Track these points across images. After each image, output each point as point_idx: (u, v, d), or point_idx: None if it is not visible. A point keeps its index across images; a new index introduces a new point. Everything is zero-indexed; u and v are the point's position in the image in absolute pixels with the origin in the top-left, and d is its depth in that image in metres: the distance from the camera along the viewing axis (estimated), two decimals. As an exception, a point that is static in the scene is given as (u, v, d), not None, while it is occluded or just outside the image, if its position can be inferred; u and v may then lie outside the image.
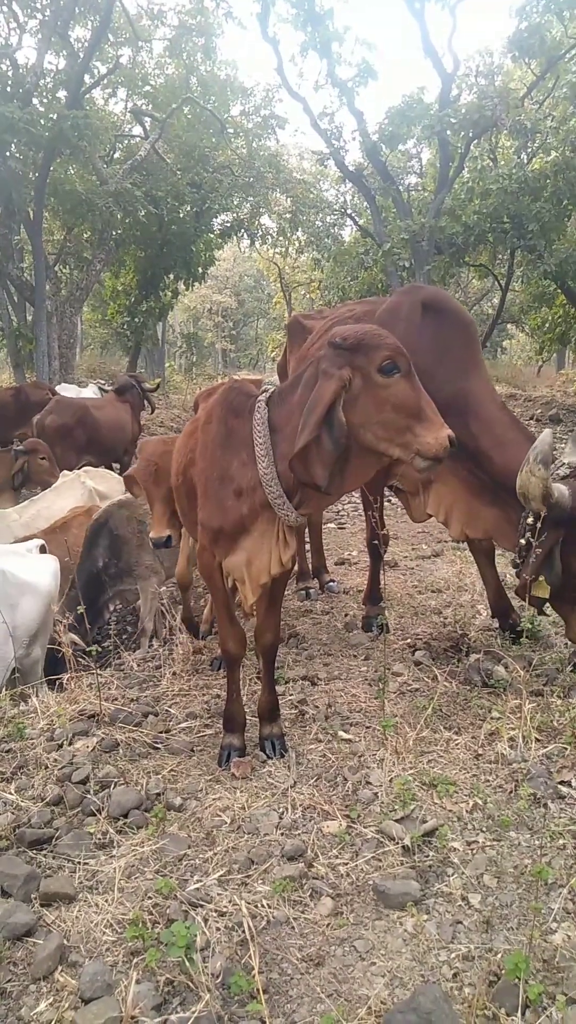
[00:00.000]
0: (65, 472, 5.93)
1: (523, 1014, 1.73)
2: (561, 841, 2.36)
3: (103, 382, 11.57)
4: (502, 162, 17.18)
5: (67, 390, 10.65)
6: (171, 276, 19.09)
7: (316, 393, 2.33)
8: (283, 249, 22.72)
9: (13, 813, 2.57)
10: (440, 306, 3.77)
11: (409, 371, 2.36)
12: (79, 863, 2.34)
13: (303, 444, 2.31)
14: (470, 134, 14.66)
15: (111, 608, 4.82)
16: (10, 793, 2.69)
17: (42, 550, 4.22)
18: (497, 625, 4.19)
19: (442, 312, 3.75)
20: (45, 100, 15.21)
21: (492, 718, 3.15)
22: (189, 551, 4.07)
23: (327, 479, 2.34)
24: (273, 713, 3.06)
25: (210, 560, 2.83)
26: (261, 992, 1.81)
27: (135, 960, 1.95)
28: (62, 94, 15.15)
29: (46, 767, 2.86)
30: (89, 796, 2.64)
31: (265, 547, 2.66)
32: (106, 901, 2.17)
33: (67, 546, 4.35)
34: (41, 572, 3.90)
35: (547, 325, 19.30)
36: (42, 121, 12.87)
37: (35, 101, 14.31)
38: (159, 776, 2.82)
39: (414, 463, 2.37)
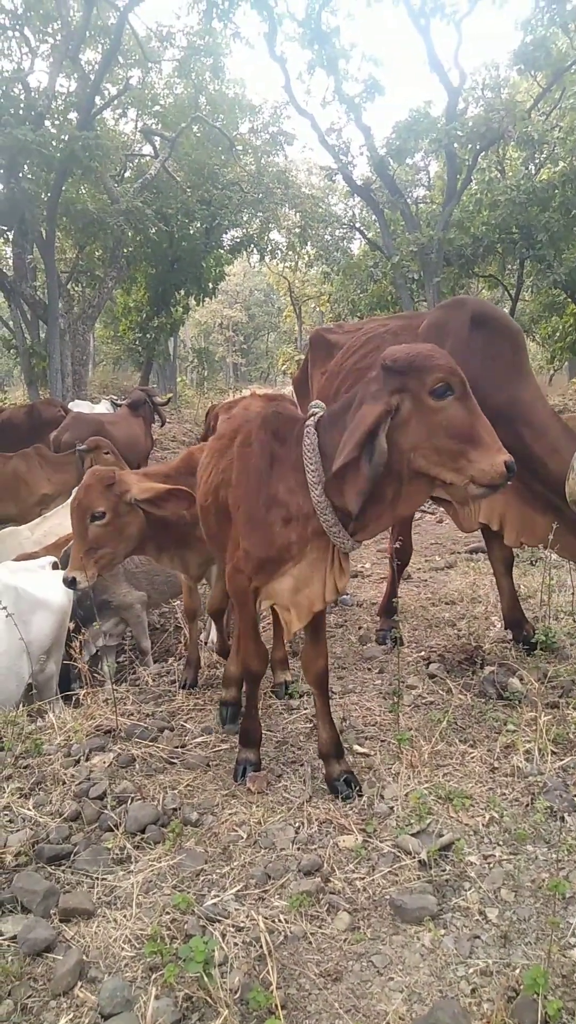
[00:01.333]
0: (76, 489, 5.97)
1: (542, 1030, 1.72)
2: (579, 855, 2.35)
3: (115, 398, 11.68)
4: (510, 173, 17.27)
5: (80, 406, 10.76)
6: (182, 292, 19.30)
7: (359, 416, 2.25)
8: (292, 263, 22.94)
9: (32, 829, 2.59)
10: (487, 318, 3.75)
11: (464, 393, 2.24)
12: (97, 879, 2.36)
13: (338, 467, 2.25)
14: (477, 146, 14.76)
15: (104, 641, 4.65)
16: (28, 809, 2.71)
17: (54, 567, 4.25)
18: (511, 637, 4.18)
19: (489, 323, 3.72)
20: (57, 122, 15.47)
21: (507, 731, 3.14)
22: (191, 583, 3.94)
23: (359, 505, 2.26)
24: (338, 749, 2.85)
25: (245, 584, 2.70)
26: (279, 1008, 1.81)
27: (154, 976, 1.96)
28: (73, 116, 15.41)
29: (64, 783, 2.88)
30: (106, 811, 2.66)
31: (318, 575, 2.59)
32: (124, 916, 2.19)
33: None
34: (53, 588, 3.93)
35: (558, 334, 19.28)
36: (54, 143, 13.10)
37: (47, 123, 14.56)
38: (175, 791, 2.83)
39: (468, 490, 2.26)
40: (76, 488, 3.41)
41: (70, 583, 3.25)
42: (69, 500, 5.68)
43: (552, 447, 3.53)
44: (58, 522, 5.11)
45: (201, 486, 3.13)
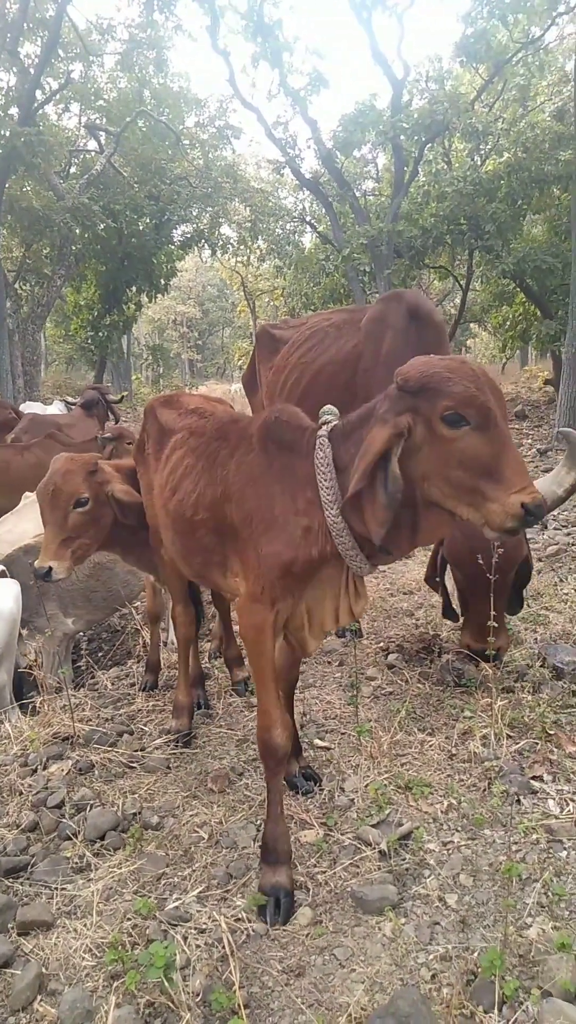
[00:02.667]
0: (28, 493, 5.84)
1: (500, 1010, 1.76)
2: (534, 836, 2.40)
3: (68, 398, 11.49)
4: (456, 165, 17.43)
5: (32, 408, 10.55)
6: (133, 289, 19.10)
7: (368, 439, 2.01)
8: (244, 258, 22.86)
9: (-12, 842, 2.54)
10: (420, 311, 3.83)
11: (485, 423, 1.89)
12: (56, 889, 2.32)
13: (352, 494, 2.01)
14: (423, 138, 14.86)
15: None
16: (-16, 822, 2.66)
17: (2, 575, 4.16)
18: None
19: (422, 317, 3.81)
20: (-3, 117, 15.12)
21: (465, 717, 3.18)
22: (154, 582, 3.87)
23: (382, 535, 1.99)
24: (296, 746, 2.85)
25: (267, 615, 2.28)
26: (242, 1007, 1.81)
27: (115, 984, 1.94)
28: (14, 111, 15.07)
29: (20, 793, 2.83)
30: (65, 820, 2.62)
31: (331, 596, 2.33)
32: (84, 926, 2.16)
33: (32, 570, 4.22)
34: (2, 596, 3.84)
35: (508, 323, 19.56)
36: (-5, 139, 12.80)
37: (-13, 119, 14.23)
38: (135, 795, 2.81)
39: (483, 531, 1.98)
40: (49, 474, 3.24)
41: (45, 574, 3.08)
42: (19, 506, 5.56)
43: None
44: (7, 528, 4.98)
45: (172, 497, 2.71)
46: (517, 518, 1.87)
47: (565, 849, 2.33)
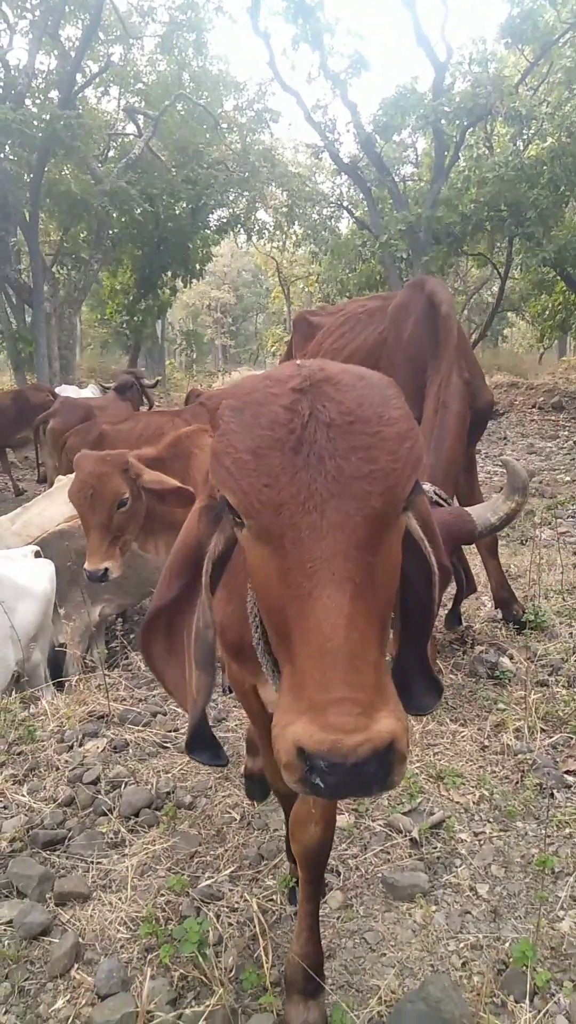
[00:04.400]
0: (60, 477, 5.91)
1: (531, 1001, 1.76)
2: (568, 830, 2.39)
3: (103, 382, 11.60)
4: (498, 150, 17.10)
5: (67, 391, 10.67)
6: (169, 273, 19.12)
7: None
8: (280, 243, 22.74)
9: (26, 815, 2.60)
10: (432, 299, 3.79)
11: (266, 528, 0.98)
12: (92, 862, 2.38)
13: None
14: (465, 123, 14.60)
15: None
16: (23, 795, 2.72)
17: (37, 555, 4.24)
18: (501, 616, 4.21)
19: (433, 306, 3.76)
20: (38, 101, 15.22)
21: (498, 709, 3.17)
22: None
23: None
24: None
25: None
26: (272, 986, 1.84)
27: (149, 956, 1.98)
28: (54, 94, 15.15)
29: (57, 768, 2.89)
30: (100, 796, 2.67)
31: None
32: (119, 899, 2.21)
33: (67, 551, 4.28)
34: (37, 576, 3.93)
35: (547, 312, 19.25)
36: (35, 122, 12.90)
37: (28, 102, 14.33)
38: (169, 775, 2.85)
39: None
40: (82, 477, 3.25)
41: (102, 576, 3.17)
42: (50, 489, 5.60)
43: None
44: (38, 512, 5.05)
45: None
46: (288, 768, 0.93)
47: (599, 844, 2.31)
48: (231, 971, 1.91)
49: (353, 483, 0.93)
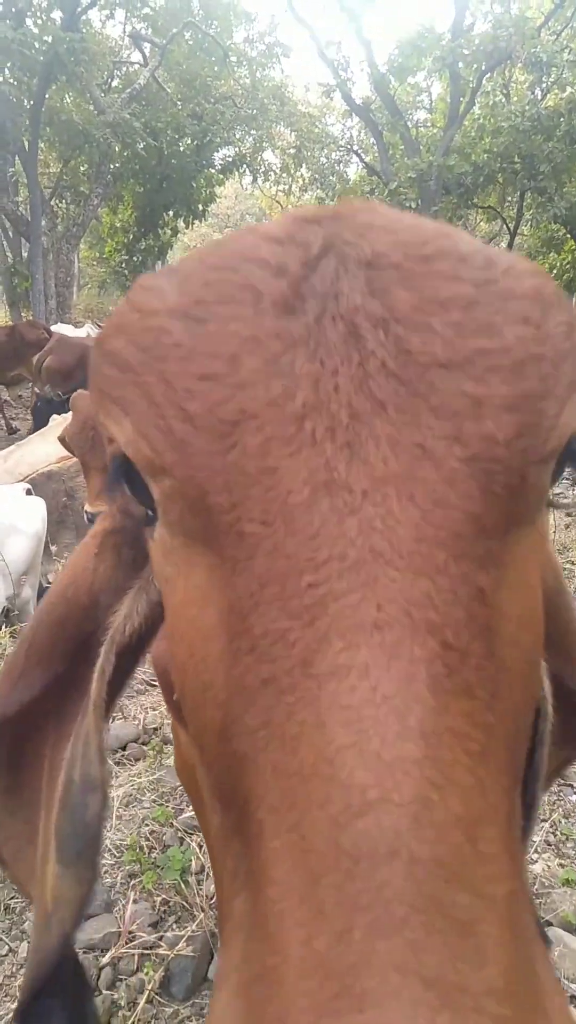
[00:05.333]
0: (54, 416, 5.86)
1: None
2: (545, 779, 2.44)
3: (100, 324, 11.40)
4: (515, 98, 16.57)
5: (63, 330, 10.48)
6: (171, 213, 18.63)
7: None
8: (286, 187, 22.14)
9: (14, 744, 2.64)
10: None
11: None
12: (78, 792, 2.42)
13: None
14: (483, 67, 14.09)
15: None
16: (11, 725, 2.76)
17: (28, 493, 4.23)
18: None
19: None
20: (39, 21, 14.51)
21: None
22: None
23: None
24: None
25: None
26: (253, 912, 1.90)
27: (132, 882, 2.04)
28: (57, 15, 14.45)
29: (46, 701, 2.93)
30: (88, 729, 2.71)
31: None
32: (105, 828, 2.26)
33: (57, 493, 4.28)
34: (28, 514, 3.91)
35: (555, 271, 18.92)
36: (36, 44, 12.35)
37: (29, 22, 13.68)
38: (156, 712, 2.89)
39: None
40: (81, 419, 3.16)
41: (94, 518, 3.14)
42: (44, 428, 5.59)
43: None
44: (30, 450, 5.03)
45: None
46: None
47: (575, 793, 2.37)
48: (211, 897, 1.96)
49: (441, 408, 0.41)
